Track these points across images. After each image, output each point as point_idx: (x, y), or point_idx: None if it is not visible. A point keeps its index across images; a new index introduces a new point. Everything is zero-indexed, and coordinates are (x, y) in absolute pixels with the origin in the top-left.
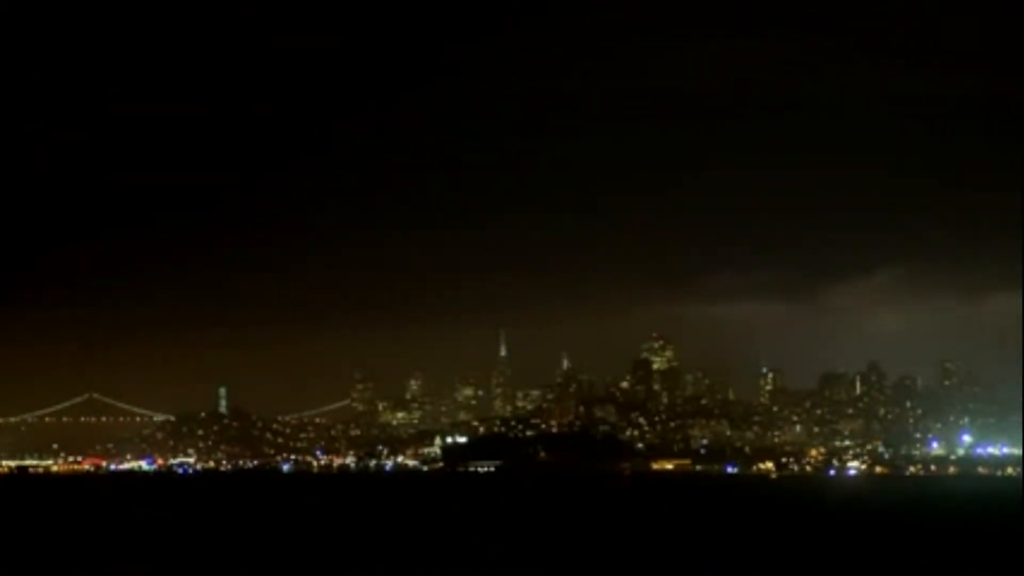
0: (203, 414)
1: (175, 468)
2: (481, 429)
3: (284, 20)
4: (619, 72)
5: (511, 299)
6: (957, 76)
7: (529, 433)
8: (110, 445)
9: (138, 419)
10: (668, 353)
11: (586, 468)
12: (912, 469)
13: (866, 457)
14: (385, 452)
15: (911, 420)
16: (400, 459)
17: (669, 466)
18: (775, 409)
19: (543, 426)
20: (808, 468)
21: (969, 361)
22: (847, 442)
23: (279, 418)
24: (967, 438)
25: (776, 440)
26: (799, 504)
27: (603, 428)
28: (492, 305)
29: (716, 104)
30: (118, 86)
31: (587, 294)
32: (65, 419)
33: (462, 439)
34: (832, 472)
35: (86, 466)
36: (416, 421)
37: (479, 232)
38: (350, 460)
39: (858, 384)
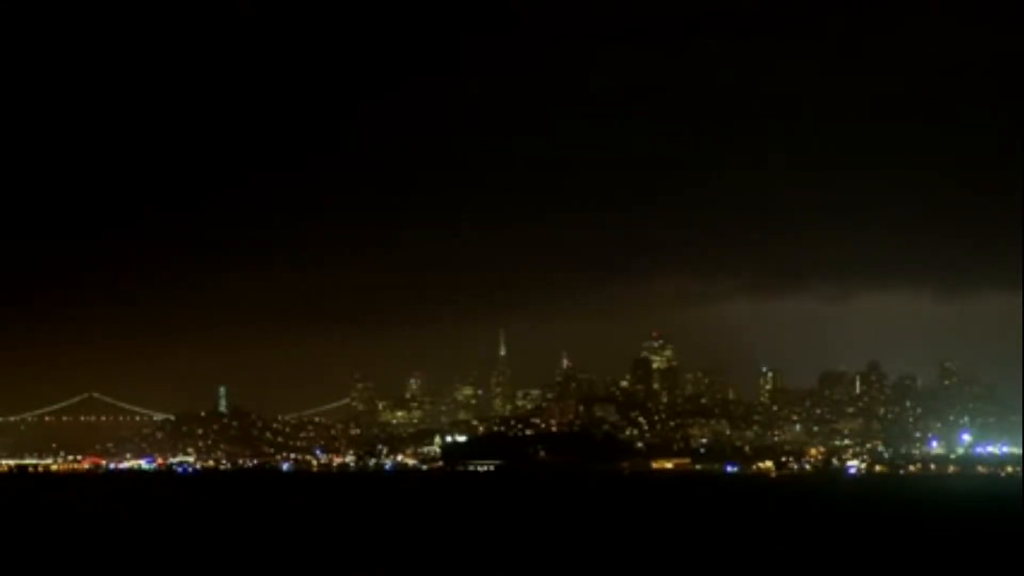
0: (203, 413)
1: (175, 467)
2: (481, 428)
3: (289, 15)
4: (620, 72)
5: (511, 299)
6: (950, 78)
7: (529, 432)
8: (110, 444)
9: (138, 418)
10: (668, 352)
11: (586, 468)
12: (912, 468)
13: (866, 456)
14: (385, 451)
15: (911, 419)
16: (400, 458)
17: (669, 465)
18: (775, 408)
19: (543, 425)
20: (808, 467)
21: (969, 361)
22: (847, 441)
23: (279, 417)
24: (967, 437)
25: (776, 439)
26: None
27: (603, 428)
28: (492, 305)
29: (716, 105)
30: (118, 86)
31: (587, 294)
32: (65, 418)
33: (462, 438)
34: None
35: (86, 465)
36: (416, 420)
37: (479, 232)
38: (350, 459)
39: (858, 384)
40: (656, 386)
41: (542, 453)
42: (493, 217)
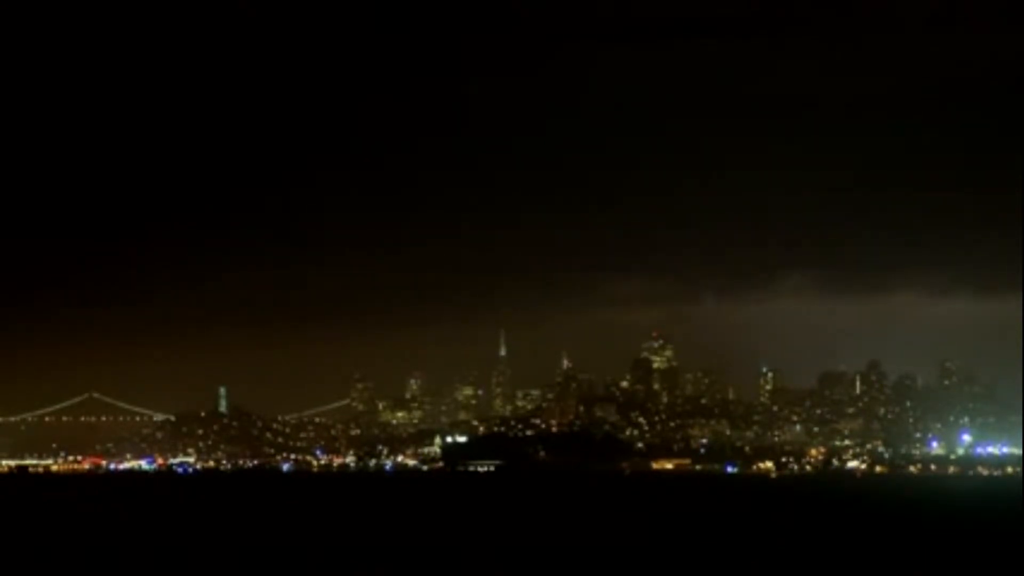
0: (203, 414)
1: (175, 468)
2: (481, 429)
3: (289, 15)
4: (621, 73)
5: (511, 299)
6: (950, 78)
7: (529, 433)
8: (110, 445)
9: (138, 419)
10: (668, 353)
11: (586, 468)
12: (912, 468)
13: (866, 457)
14: (385, 451)
15: (911, 420)
16: (400, 458)
17: (669, 465)
18: (775, 409)
19: (543, 426)
20: (808, 468)
21: (969, 361)
22: (847, 442)
23: (279, 417)
24: (967, 438)
25: (776, 440)
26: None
27: (603, 428)
28: (492, 305)
29: (716, 105)
30: (119, 86)
31: (587, 294)
32: (65, 419)
33: (462, 438)
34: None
35: (86, 465)
36: (416, 421)
37: (479, 232)
38: (350, 459)
39: (858, 384)
40: (656, 386)
41: (542, 453)
42: (493, 217)
